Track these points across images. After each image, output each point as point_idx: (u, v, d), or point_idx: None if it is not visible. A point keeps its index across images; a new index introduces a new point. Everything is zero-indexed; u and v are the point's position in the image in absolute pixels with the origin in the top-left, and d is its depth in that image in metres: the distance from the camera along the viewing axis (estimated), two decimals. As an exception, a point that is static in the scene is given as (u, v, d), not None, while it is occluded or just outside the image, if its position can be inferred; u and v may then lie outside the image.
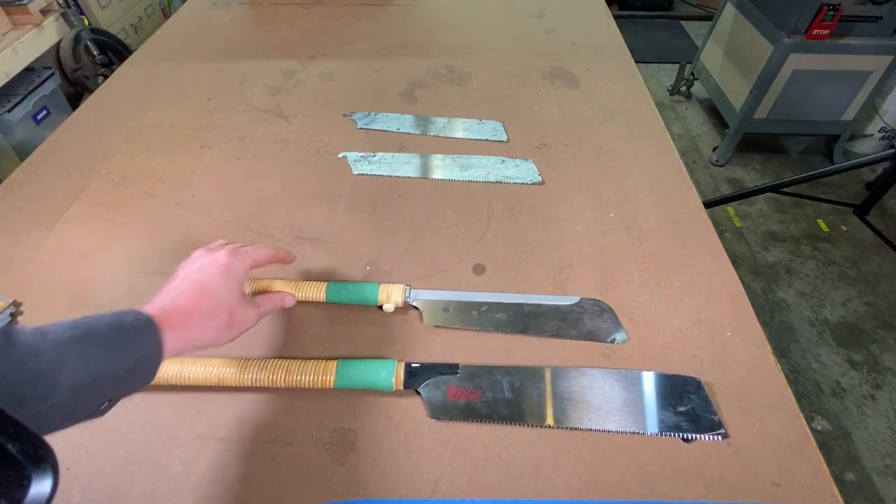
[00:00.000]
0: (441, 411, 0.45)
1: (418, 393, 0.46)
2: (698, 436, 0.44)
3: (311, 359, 0.47)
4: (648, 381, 0.48)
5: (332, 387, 0.46)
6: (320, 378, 0.46)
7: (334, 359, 0.47)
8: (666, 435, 0.44)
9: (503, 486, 0.41)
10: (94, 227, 0.63)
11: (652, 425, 0.44)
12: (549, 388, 0.47)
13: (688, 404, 0.46)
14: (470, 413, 0.45)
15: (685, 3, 3.22)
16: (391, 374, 0.46)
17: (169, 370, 0.46)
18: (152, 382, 0.45)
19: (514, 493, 0.41)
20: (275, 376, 0.46)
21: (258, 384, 0.46)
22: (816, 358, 1.40)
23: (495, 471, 0.42)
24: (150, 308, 0.37)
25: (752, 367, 0.49)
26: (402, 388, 0.46)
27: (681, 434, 0.44)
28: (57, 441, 0.46)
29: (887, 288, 1.57)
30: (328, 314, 0.54)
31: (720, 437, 0.44)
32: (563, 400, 0.46)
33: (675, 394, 0.46)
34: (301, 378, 0.46)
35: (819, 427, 1.26)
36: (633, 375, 0.48)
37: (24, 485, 0.21)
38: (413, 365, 0.47)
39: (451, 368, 0.48)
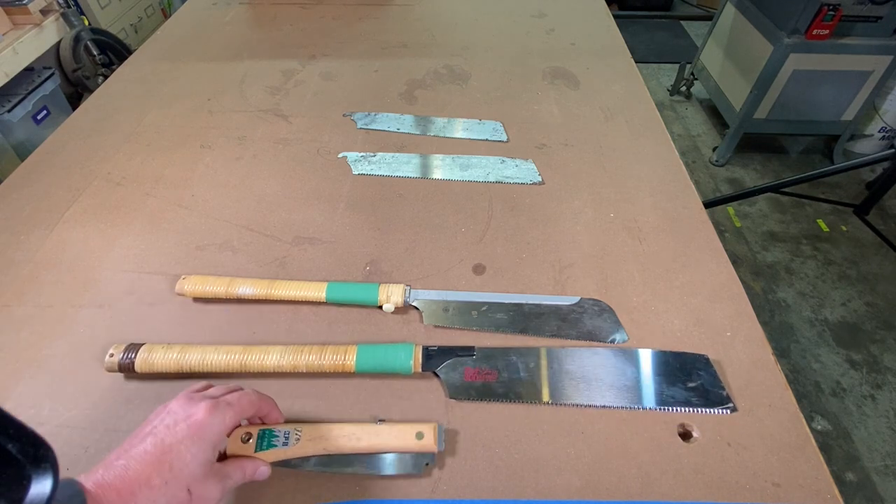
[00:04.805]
0: (459, 392, 0.46)
1: (436, 375, 0.47)
2: (708, 410, 0.45)
3: (330, 344, 0.48)
4: (659, 359, 0.49)
5: (352, 370, 0.47)
6: (340, 362, 0.46)
7: (353, 343, 0.48)
8: (678, 410, 0.45)
9: (503, 486, 0.41)
10: (94, 228, 0.63)
11: (665, 401, 0.46)
12: (564, 368, 0.48)
13: (697, 380, 0.47)
14: (487, 393, 0.46)
15: (685, 3, 3.22)
16: (409, 356, 0.47)
17: (192, 358, 0.46)
18: (164, 370, 0.46)
19: (515, 493, 0.41)
20: (296, 361, 0.46)
21: (280, 370, 0.46)
22: (816, 358, 1.40)
23: (495, 471, 0.42)
24: (92, 478, 0.30)
25: (752, 367, 0.49)
26: (420, 370, 0.47)
27: (691, 409, 0.45)
28: (57, 441, 0.46)
29: (887, 288, 1.57)
30: (328, 314, 0.54)
31: (729, 411, 0.45)
32: (577, 379, 0.47)
33: (685, 370, 0.48)
34: (321, 362, 0.46)
35: (819, 427, 1.26)
36: (645, 354, 0.49)
37: (25, 485, 0.21)
38: (431, 348, 0.48)
39: (468, 350, 0.49)
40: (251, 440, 0.39)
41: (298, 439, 0.39)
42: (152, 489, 0.31)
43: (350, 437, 0.40)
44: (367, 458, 0.41)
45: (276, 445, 0.39)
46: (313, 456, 0.40)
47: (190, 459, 0.33)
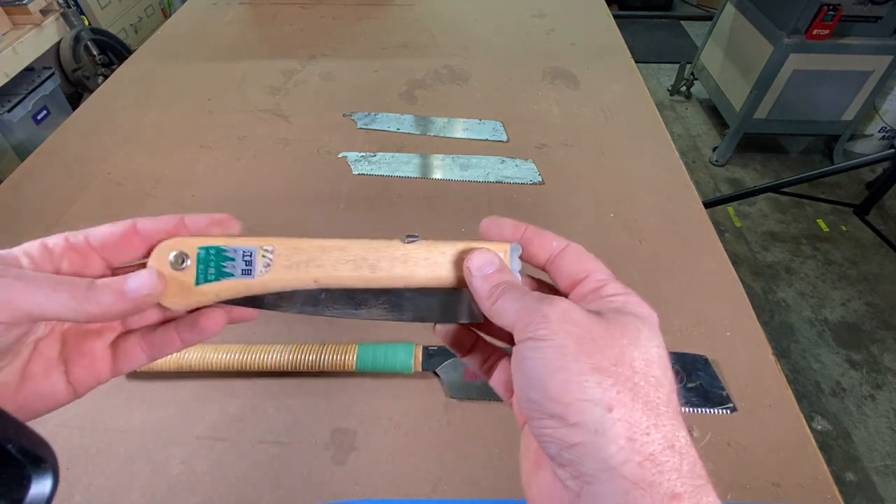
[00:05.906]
0: (459, 392, 0.46)
1: (436, 375, 0.47)
2: (708, 410, 0.45)
3: (330, 343, 0.48)
4: None
5: (352, 369, 0.47)
6: (341, 360, 0.46)
7: (353, 342, 0.48)
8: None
9: (503, 486, 0.41)
10: (94, 227, 0.63)
11: None
12: None
13: (696, 381, 0.47)
14: (487, 393, 0.46)
15: (685, 3, 3.22)
16: (410, 355, 0.47)
17: (191, 357, 0.46)
18: (164, 368, 0.46)
19: (515, 493, 0.41)
20: (296, 361, 0.46)
21: (280, 369, 0.47)
22: (816, 358, 1.40)
23: (495, 471, 0.42)
24: None
25: (752, 367, 0.49)
26: (420, 369, 0.47)
27: (691, 409, 0.45)
28: (57, 441, 0.46)
29: (887, 288, 1.57)
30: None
31: (729, 411, 0.45)
32: None
33: (685, 371, 0.48)
34: (322, 362, 0.46)
35: (819, 427, 1.26)
36: None
37: (24, 485, 0.21)
38: (430, 347, 0.48)
39: None
40: (187, 265, 0.22)
41: (269, 265, 0.23)
42: None
43: (358, 263, 0.24)
44: (391, 296, 0.25)
45: (231, 275, 0.23)
46: (301, 290, 0.24)
47: None
